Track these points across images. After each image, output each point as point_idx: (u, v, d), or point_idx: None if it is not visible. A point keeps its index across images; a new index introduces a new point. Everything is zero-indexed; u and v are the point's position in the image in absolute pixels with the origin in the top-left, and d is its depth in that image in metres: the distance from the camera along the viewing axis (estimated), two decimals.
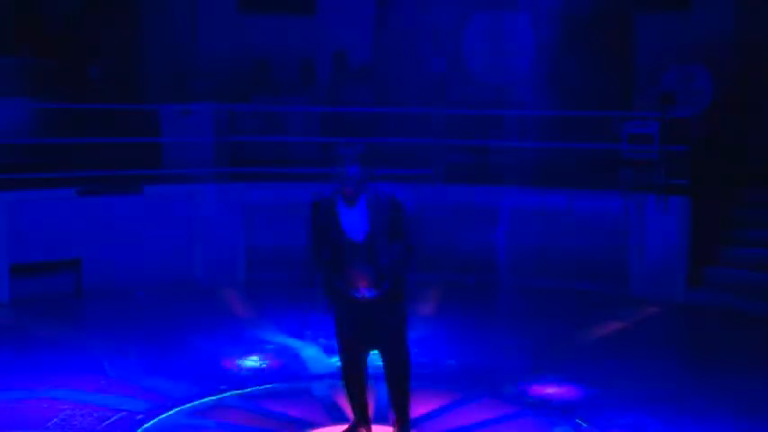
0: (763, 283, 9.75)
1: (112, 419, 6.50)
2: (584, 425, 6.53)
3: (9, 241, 9.68)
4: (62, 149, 10.98)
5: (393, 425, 5.96)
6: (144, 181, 10.54)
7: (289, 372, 7.67)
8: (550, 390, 7.27)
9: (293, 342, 8.35)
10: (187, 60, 13.26)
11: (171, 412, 6.70)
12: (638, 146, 10.48)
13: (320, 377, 7.40)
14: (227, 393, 7.15)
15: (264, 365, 7.88)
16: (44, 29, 12.83)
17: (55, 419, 6.45)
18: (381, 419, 6.17)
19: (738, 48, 12.21)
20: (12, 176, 9.91)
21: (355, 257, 5.61)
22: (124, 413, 6.63)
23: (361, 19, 14.00)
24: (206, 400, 6.99)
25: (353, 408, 6.00)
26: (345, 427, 6.08)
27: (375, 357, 5.90)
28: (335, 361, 6.36)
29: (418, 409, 6.66)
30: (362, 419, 6.00)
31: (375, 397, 6.36)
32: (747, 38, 12.01)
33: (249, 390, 7.23)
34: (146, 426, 6.42)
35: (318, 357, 7.94)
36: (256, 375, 7.65)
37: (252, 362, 8.03)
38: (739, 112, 11.70)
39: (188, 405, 6.87)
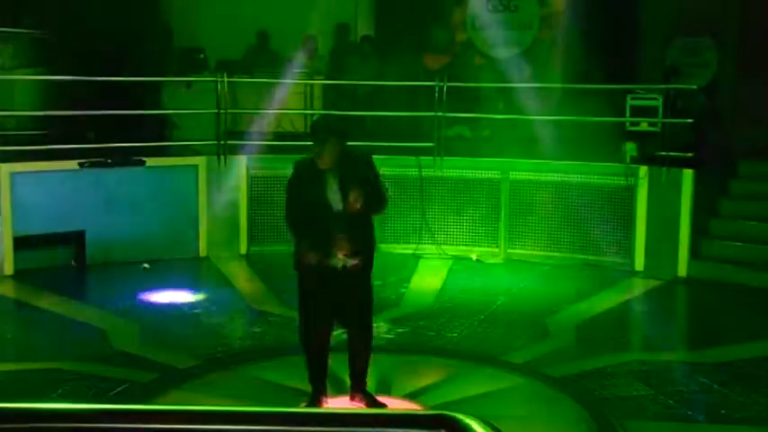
0: (761, 255, 9.76)
1: (117, 390, 6.54)
2: (584, 394, 6.57)
3: (13, 213, 9.67)
4: (66, 122, 10.97)
5: (356, 392, 6.03)
6: (147, 153, 10.51)
7: (290, 343, 7.69)
8: (552, 360, 7.30)
9: (295, 314, 8.33)
10: (190, 33, 13.18)
11: (174, 383, 6.74)
12: (641, 118, 10.44)
13: None
14: (229, 365, 7.18)
15: (266, 337, 7.91)
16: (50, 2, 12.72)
17: (60, 390, 6.48)
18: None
19: (744, 20, 12.12)
20: (15, 148, 9.90)
21: (335, 225, 5.67)
22: (128, 384, 6.67)
23: None
24: (208, 371, 7.03)
25: (314, 379, 6.04)
26: (344, 398, 6.14)
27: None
28: (339, 334, 6.38)
29: (423, 380, 6.72)
30: (322, 390, 6.05)
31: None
32: (753, 10, 11.92)
33: (251, 361, 7.27)
34: (150, 397, 6.46)
35: None
36: (258, 347, 7.68)
37: (253, 333, 8.07)
38: (743, 84, 11.63)
39: (191, 376, 6.91)
